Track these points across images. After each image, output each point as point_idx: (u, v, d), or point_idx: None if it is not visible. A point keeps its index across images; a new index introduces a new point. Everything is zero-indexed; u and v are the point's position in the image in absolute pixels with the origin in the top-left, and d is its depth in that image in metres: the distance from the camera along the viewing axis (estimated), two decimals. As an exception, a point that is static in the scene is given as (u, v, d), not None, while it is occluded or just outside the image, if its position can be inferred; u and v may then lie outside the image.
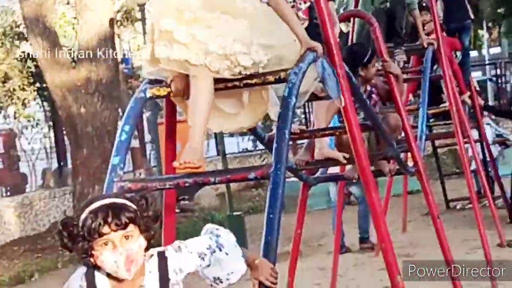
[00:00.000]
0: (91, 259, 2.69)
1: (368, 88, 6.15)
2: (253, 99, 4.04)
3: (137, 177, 13.46)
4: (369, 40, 6.64)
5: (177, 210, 14.84)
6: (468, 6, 11.39)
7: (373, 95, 6.17)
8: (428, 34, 9.10)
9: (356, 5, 8.24)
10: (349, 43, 7.38)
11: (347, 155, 5.54)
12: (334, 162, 5.77)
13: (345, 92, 4.22)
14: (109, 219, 2.61)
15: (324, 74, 4.02)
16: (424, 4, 10.01)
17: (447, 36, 10.04)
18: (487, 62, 28.38)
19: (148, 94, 3.92)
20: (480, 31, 29.97)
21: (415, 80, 8.60)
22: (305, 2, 4.81)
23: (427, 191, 6.29)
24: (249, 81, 3.80)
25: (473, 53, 34.45)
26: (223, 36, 3.68)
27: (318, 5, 4.34)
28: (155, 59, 3.79)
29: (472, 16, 11.50)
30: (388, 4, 7.80)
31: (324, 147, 5.76)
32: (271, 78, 3.80)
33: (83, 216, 2.65)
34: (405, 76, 8.45)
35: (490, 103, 23.26)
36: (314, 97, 4.73)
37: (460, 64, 10.57)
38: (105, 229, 2.61)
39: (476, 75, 32.46)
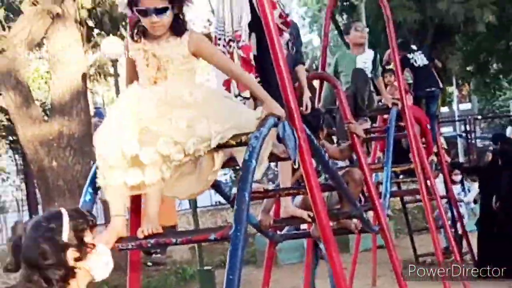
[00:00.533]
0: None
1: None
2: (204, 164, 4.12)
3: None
4: (335, 101, 6.83)
5: (149, 263, 14.86)
6: (436, 75, 11.66)
7: (326, 154, 6.33)
8: (392, 94, 9.34)
9: (323, 67, 8.47)
10: (316, 103, 7.54)
11: (311, 214, 5.63)
12: (299, 220, 5.85)
13: (306, 155, 4.33)
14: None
15: (284, 135, 4.13)
16: (388, 67, 10.30)
17: (413, 104, 10.30)
18: (456, 118, 28.81)
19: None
20: (449, 88, 30.44)
21: (381, 138, 8.75)
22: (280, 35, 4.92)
23: (391, 249, 6.39)
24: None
25: (444, 109, 35.07)
26: (174, 133, 3.80)
27: (279, 70, 4.43)
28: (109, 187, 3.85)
29: (441, 85, 11.75)
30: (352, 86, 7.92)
31: (289, 205, 5.84)
32: (232, 141, 3.89)
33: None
34: (372, 135, 8.65)
35: (461, 158, 23.57)
36: (275, 157, 4.83)
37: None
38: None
39: (446, 130, 32.94)
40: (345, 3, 24.78)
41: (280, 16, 4.97)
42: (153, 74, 3.96)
